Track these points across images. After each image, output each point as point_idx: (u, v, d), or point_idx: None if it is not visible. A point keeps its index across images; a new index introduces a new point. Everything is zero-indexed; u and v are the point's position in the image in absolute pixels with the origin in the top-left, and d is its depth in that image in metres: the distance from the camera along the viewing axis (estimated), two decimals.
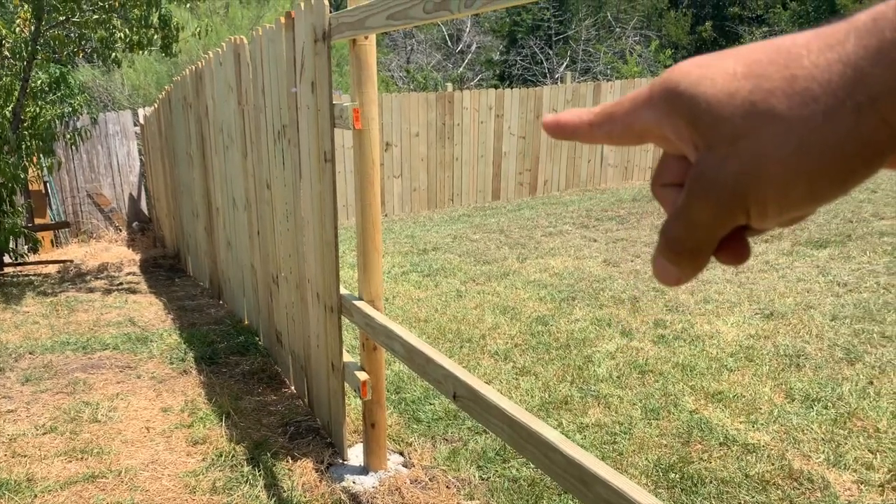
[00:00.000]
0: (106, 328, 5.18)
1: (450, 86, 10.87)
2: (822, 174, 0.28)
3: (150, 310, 5.76)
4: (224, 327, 5.09)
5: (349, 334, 4.20)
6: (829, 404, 2.99)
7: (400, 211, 10.46)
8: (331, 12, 2.68)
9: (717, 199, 0.30)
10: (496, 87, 16.00)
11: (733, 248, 0.33)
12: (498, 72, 21.19)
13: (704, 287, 4.81)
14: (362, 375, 2.91)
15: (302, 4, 2.92)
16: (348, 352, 3.35)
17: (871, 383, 3.12)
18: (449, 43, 21.76)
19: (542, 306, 4.82)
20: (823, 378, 3.22)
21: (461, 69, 20.34)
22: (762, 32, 21.02)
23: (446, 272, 5.99)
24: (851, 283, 4.53)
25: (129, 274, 7.50)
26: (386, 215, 10.36)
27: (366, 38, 2.59)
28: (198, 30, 6.65)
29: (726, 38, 22.64)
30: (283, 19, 3.19)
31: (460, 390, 2.12)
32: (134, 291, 6.54)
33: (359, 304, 2.84)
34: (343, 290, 3.02)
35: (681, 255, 0.33)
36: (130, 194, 10.11)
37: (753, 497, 2.43)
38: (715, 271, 5.23)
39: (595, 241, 6.81)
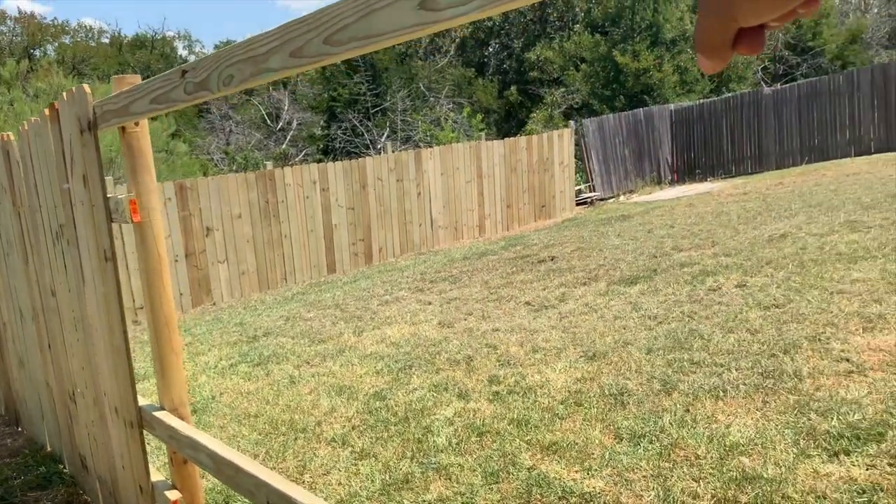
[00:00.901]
0: None
1: (269, 164, 10.67)
2: None
3: None
4: (21, 459, 4.43)
5: (162, 448, 3.79)
6: (654, 438, 3.09)
7: (230, 297, 9.94)
8: (94, 101, 2.47)
9: (715, 11, 0.44)
10: (320, 161, 15.99)
11: (748, 43, 0.45)
12: (321, 146, 21.27)
13: (532, 336, 4.92)
14: (173, 495, 2.59)
15: (65, 95, 2.68)
16: (159, 469, 3.00)
17: (688, 411, 3.28)
18: (268, 121, 21.56)
19: (380, 380, 4.68)
20: (646, 412, 3.34)
21: (284, 146, 20.18)
22: (560, 93, 22.92)
23: (278, 358, 5.68)
24: (661, 315, 4.84)
25: None
26: (214, 304, 9.79)
27: (136, 124, 2.40)
28: None
29: (531, 99, 24.44)
30: (47, 111, 2.91)
31: (273, 499, 1.91)
32: None
33: (159, 414, 2.55)
34: (143, 401, 2.71)
35: (705, 51, 0.47)
36: None
37: None
38: (541, 320, 5.39)
39: (430, 303, 6.82)
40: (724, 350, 3.98)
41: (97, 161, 2.52)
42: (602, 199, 16.26)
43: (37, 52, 23.62)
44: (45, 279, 3.53)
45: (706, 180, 16.77)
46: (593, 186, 16.65)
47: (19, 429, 5.18)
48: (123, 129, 2.40)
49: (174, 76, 1.90)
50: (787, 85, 17.03)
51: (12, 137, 3.63)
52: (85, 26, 29.31)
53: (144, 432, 2.70)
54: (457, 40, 28.04)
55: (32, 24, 26.62)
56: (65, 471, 4.06)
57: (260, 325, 7.08)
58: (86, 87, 2.48)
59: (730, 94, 18.52)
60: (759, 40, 0.45)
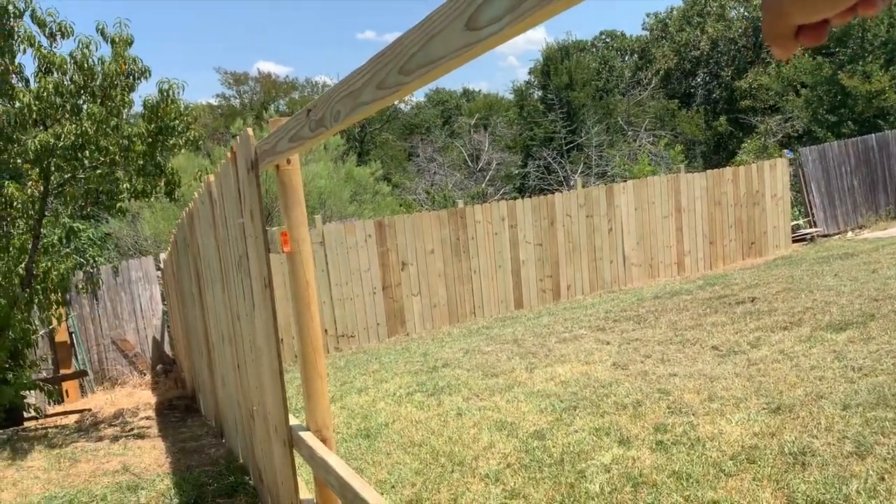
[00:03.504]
0: (101, 478, 5.05)
1: (460, 202, 11.04)
2: None
3: (150, 455, 5.64)
4: (218, 468, 4.93)
5: None
6: None
7: (421, 329, 10.35)
8: (255, 143, 2.73)
9: (769, 9, 0.49)
10: (515, 198, 16.28)
11: (808, 35, 0.49)
12: (517, 184, 21.60)
13: (712, 384, 4.50)
14: None
15: (238, 139, 2.99)
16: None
17: (883, 479, 2.77)
18: (469, 162, 22.40)
19: (542, 419, 4.55)
20: (830, 476, 2.88)
21: (482, 185, 20.81)
22: (776, 121, 21.12)
23: (451, 389, 5.77)
24: (867, 367, 4.17)
25: (143, 418, 7.45)
26: (407, 334, 10.25)
27: (288, 161, 2.61)
28: (199, 173, 6.94)
29: (742, 129, 22.80)
30: (229, 154, 3.27)
31: None
32: (142, 436, 6.46)
33: (304, 435, 2.69)
34: (294, 421, 2.88)
35: (770, 42, 0.51)
36: (154, 338, 10.26)
37: None
38: (725, 366, 4.92)
39: (608, 343, 6.54)
40: None
41: (258, 196, 2.78)
42: (825, 236, 14.59)
43: (271, 108, 26.94)
44: (234, 305, 3.92)
45: None
46: (814, 221, 15.01)
47: (223, 440, 5.79)
48: (278, 167, 2.62)
49: (302, 116, 2.04)
50: None
51: (212, 179, 4.13)
52: (312, 82, 32.87)
53: (294, 451, 2.86)
54: (660, 72, 27.16)
55: (268, 82, 30.43)
56: (249, 482, 4.44)
57: (441, 357, 7.26)
58: (249, 130, 2.75)
59: None
60: (819, 33, 0.49)
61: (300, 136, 2.09)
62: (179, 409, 7.72)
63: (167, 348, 10.37)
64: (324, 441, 2.70)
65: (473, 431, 4.55)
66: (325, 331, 9.73)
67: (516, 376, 5.81)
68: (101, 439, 6.45)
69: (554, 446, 3.97)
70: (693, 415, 4.00)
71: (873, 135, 15.96)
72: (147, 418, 7.42)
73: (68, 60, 5.79)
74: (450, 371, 6.49)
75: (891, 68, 19.83)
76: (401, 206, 17.16)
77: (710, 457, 3.35)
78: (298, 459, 2.89)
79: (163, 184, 6.65)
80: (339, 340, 9.93)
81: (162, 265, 9.74)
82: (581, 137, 20.46)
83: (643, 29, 33.23)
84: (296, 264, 2.67)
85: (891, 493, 2.66)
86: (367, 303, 10.01)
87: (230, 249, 3.73)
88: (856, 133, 18.31)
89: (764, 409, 3.85)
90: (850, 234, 14.57)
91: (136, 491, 4.55)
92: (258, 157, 2.70)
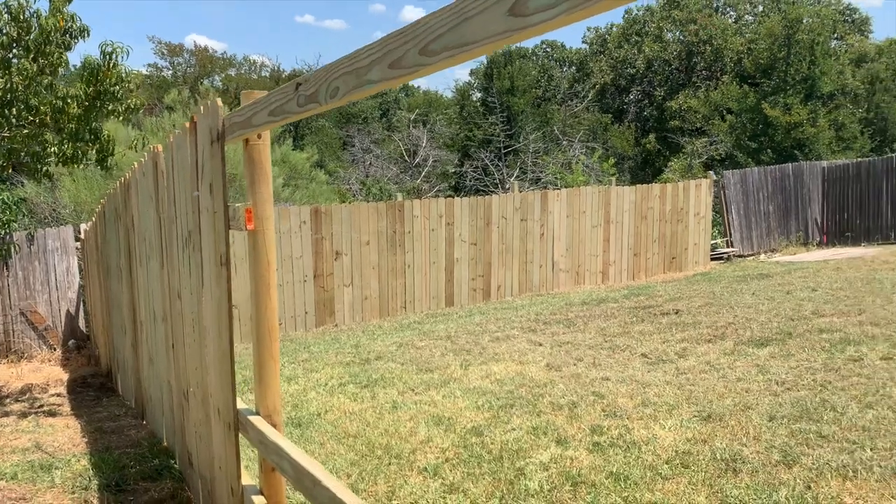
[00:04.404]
0: (10, 455, 4.76)
1: (399, 195, 10.99)
2: None
3: (64, 433, 5.35)
4: (140, 450, 4.72)
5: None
6: None
7: (350, 321, 10.24)
8: (224, 114, 2.63)
9: None
10: (450, 196, 16.36)
11: None
12: (452, 183, 21.70)
13: (644, 390, 4.65)
14: (259, 500, 2.64)
15: (202, 108, 2.88)
16: (256, 477, 3.08)
17: (809, 487, 2.94)
18: (406, 157, 22.33)
19: (479, 415, 4.59)
20: (760, 483, 3.03)
21: (418, 181, 20.79)
22: (702, 143, 22.06)
23: (385, 382, 5.74)
24: (790, 381, 4.42)
25: (53, 395, 7.06)
26: (336, 325, 10.12)
27: (259, 136, 2.53)
28: (135, 142, 6.63)
29: (669, 148, 23.71)
30: (188, 124, 3.14)
31: None
32: (53, 414, 6.12)
33: (254, 419, 2.62)
34: (241, 405, 2.80)
35: None
36: (68, 311, 9.74)
37: None
38: (656, 373, 5.09)
39: (541, 344, 6.66)
40: (859, 426, 3.55)
41: (222, 170, 2.68)
42: (740, 256, 15.33)
43: (206, 83, 26.06)
44: (174, 283, 3.77)
45: (859, 244, 15.40)
46: (731, 242, 15.74)
47: (144, 422, 5.55)
48: (247, 141, 2.54)
49: (289, 89, 1.98)
50: None
51: (160, 149, 3.95)
52: (249, 60, 31.97)
53: (240, 436, 2.78)
54: (597, 86, 27.86)
55: (204, 56, 29.42)
56: (175, 465, 4.28)
57: (373, 349, 7.20)
58: (219, 100, 2.65)
59: (893, 155, 17.03)
60: None
61: (285, 111, 2.03)
62: (94, 388, 7.36)
63: (81, 323, 9.86)
64: (274, 426, 2.63)
65: (410, 425, 4.54)
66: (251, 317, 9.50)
67: (451, 372, 5.83)
68: (7, 415, 6.07)
69: (492, 443, 4.01)
70: (628, 418, 4.12)
71: (790, 164, 16.90)
72: (58, 395, 7.04)
73: (3, 10, 5.42)
74: (383, 364, 6.45)
75: (809, 103, 21.06)
76: (335, 194, 16.93)
77: (646, 460, 3.46)
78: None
79: (94, 151, 6.32)
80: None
81: (83, 236, 9.25)
82: (519, 143, 20.76)
83: (583, 42, 34.07)
84: (258, 243, 2.59)
85: (817, 501, 2.82)
86: (296, 291, 9.83)
87: (178, 224, 3.58)
88: (774, 161, 19.34)
89: (695, 416, 4.01)
90: (762, 256, 15.37)
91: (50, 470, 4.31)
92: (225, 129, 2.61)
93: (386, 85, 1.53)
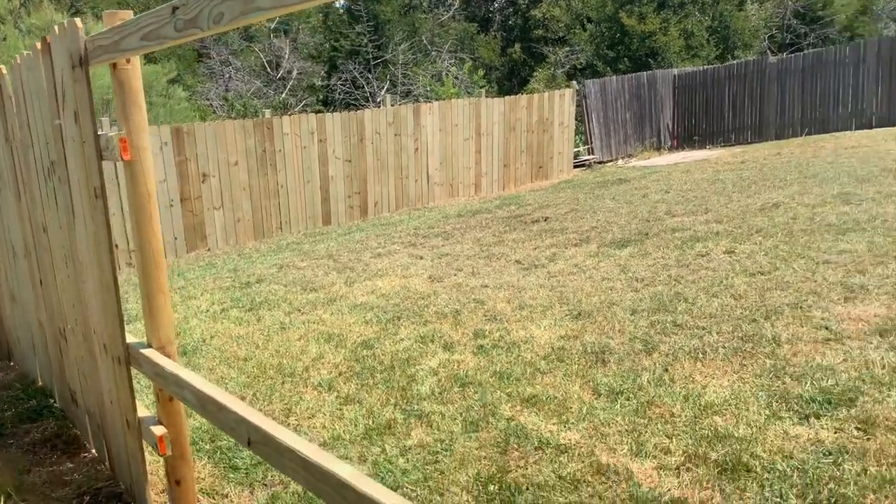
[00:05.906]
0: None
1: (268, 112, 10.56)
2: None
3: None
4: (13, 392, 4.51)
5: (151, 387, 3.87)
6: (631, 395, 3.17)
7: (224, 244, 9.97)
8: (86, 37, 2.45)
9: None
10: (319, 111, 15.87)
11: None
12: (321, 97, 21.03)
13: (520, 294, 4.98)
14: (159, 430, 2.66)
15: (57, 29, 2.65)
16: (147, 407, 3.07)
17: (666, 370, 3.35)
18: (268, 69, 21.27)
19: (368, 329, 4.74)
20: (626, 370, 3.42)
21: (283, 95, 19.95)
22: (564, 52, 22.61)
23: (270, 304, 5.74)
24: (648, 278, 4.89)
25: None
26: (209, 249, 9.83)
27: (127, 61, 2.39)
28: None
29: (534, 58, 24.12)
30: (39, 45, 2.88)
31: (254, 435, 1.97)
32: None
33: (146, 352, 2.60)
34: (131, 339, 2.75)
35: None
36: None
37: (566, 498, 2.50)
38: (529, 278, 5.44)
39: (422, 258, 6.86)
40: (706, 314, 4.05)
41: (88, 97, 2.52)
42: (600, 163, 16.20)
43: None
44: (37, 216, 3.54)
45: (705, 147, 16.71)
46: (592, 149, 16.56)
47: (11, 363, 5.26)
48: (115, 65, 2.39)
49: (164, 12, 1.89)
50: (793, 55, 16.84)
51: (4, 72, 3.60)
52: None
53: (132, 369, 2.75)
54: None
55: None
56: (55, 405, 4.14)
57: (253, 272, 7.12)
58: (78, 21, 2.46)
59: (734, 62, 18.32)
60: None
61: (160, 35, 1.94)
62: None
63: None
64: (169, 357, 2.63)
65: (300, 344, 4.62)
66: (116, 245, 9.00)
67: (336, 290, 5.92)
68: None
69: (383, 354, 4.19)
70: (507, 321, 4.43)
71: (645, 73, 17.78)
72: None
73: None
74: (265, 287, 6.42)
75: (662, 12, 21.99)
76: (195, 112, 15.95)
77: (526, 358, 3.77)
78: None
79: None
80: (131, 255, 9.24)
81: None
82: (388, 54, 20.32)
83: None
84: (136, 174, 2.50)
85: (673, 381, 3.23)
86: (163, 216, 9.37)
87: (35, 154, 3.33)
88: (631, 70, 20.24)
89: (567, 315, 4.38)
90: (620, 161, 16.32)
91: None
92: (89, 53, 2.44)
93: (276, 12, 1.52)
